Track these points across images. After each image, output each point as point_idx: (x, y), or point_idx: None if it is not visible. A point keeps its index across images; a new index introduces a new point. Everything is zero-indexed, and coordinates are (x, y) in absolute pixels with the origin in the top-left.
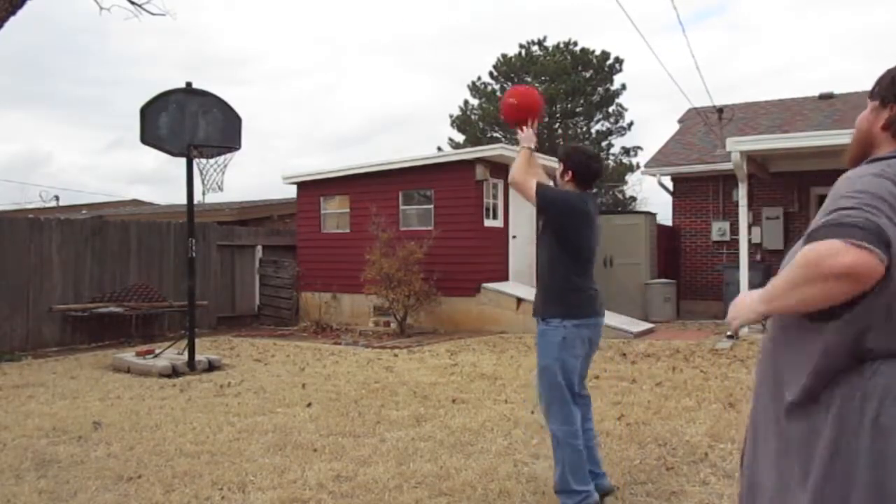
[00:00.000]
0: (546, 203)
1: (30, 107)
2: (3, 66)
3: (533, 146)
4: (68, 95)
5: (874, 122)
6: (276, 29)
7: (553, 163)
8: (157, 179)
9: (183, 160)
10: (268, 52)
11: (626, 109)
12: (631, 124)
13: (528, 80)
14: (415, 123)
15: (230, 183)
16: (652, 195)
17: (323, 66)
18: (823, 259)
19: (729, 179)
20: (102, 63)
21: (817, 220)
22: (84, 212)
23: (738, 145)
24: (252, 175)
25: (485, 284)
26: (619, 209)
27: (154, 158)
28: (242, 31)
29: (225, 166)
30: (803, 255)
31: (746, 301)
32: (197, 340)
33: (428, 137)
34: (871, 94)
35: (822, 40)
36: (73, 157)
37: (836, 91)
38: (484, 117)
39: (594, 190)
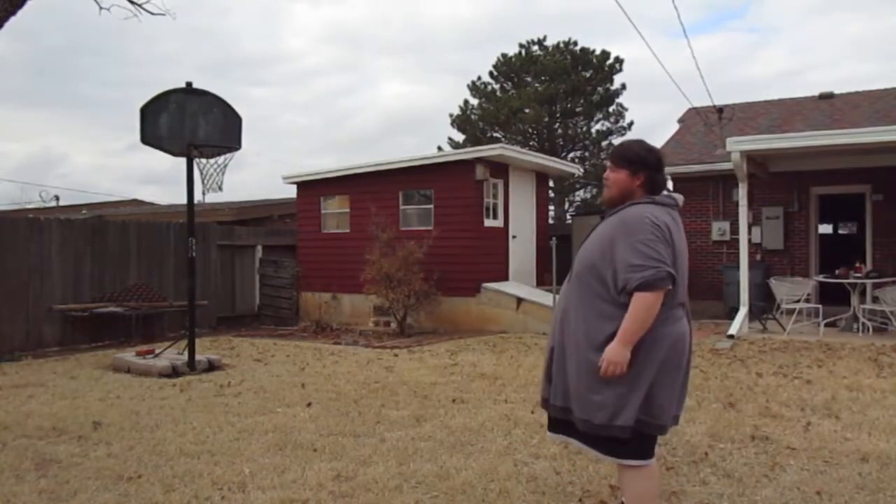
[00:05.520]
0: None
1: (50, 108)
2: (25, 68)
3: None
4: (89, 97)
5: (632, 183)
6: (292, 30)
7: (560, 165)
8: (168, 180)
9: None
10: (286, 54)
11: (626, 109)
12: (631, 124)
13: (528, 79)
14: (424, 124)
15: (242, 182)
16: None
17: (332, 68)
18: (652, 309)
19: (729, 179)
20: (125, 65)
21: (626, 254)
22: (84, 212)
23: (738, 145)
24: (265, 175)
25: (485, 284)
26: None
27: (169, 159)
28: (262, 33)
29: (225, 166)
30: (645, 305)
31: (617, 350)
32: (197, 340)
33: (439, 137)
34: (618, 165)
35: (836, 43)
36: (90, 158)
37: (836, 91)
38: (484, 117)
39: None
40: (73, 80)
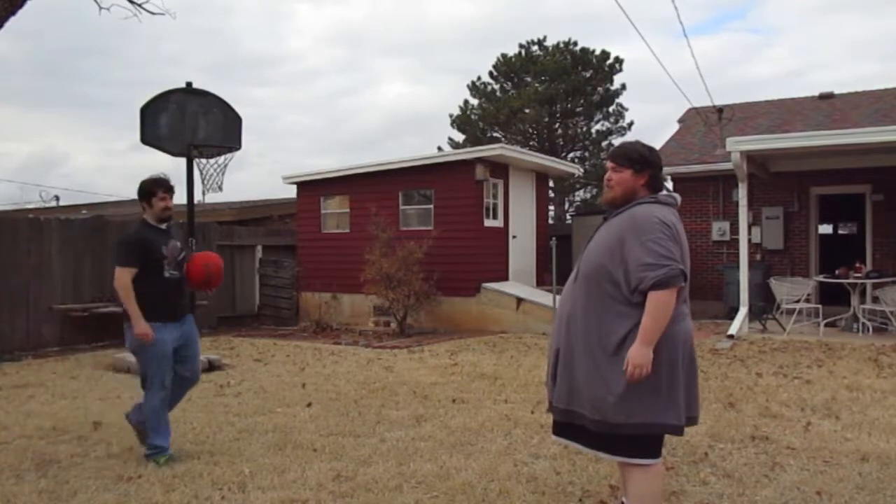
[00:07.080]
0: None
1: (52, 108)
2: (27, 68)
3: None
4: (91, 97)
5: (636, 182)
6: (294, 31)
7: (560, 165)
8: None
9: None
10: (288, 55)
11: (626, 109)
12: (631, 124)
13: (528, 79)
14: (425, 124)
15: (243, 182)
16: None
17: (334, 68)
18: (669, 307)
19: (729, 179)
20: (128, 65)
21: (638, 253)
22: (84, 212)
23: (738, 145)
24: (265, 175)
25: (485, 284)
26: None
27: (169, 159)
28: (265, 33)
29: (225, 166)
30: (661, 303)
31: (640, 351)
32: None
33: (439, 137)
34: (622, 165)
35: (837, 43)
36: (91, 158)
37: (836, 91)
38: (484, 117)
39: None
40: (75, 80)
